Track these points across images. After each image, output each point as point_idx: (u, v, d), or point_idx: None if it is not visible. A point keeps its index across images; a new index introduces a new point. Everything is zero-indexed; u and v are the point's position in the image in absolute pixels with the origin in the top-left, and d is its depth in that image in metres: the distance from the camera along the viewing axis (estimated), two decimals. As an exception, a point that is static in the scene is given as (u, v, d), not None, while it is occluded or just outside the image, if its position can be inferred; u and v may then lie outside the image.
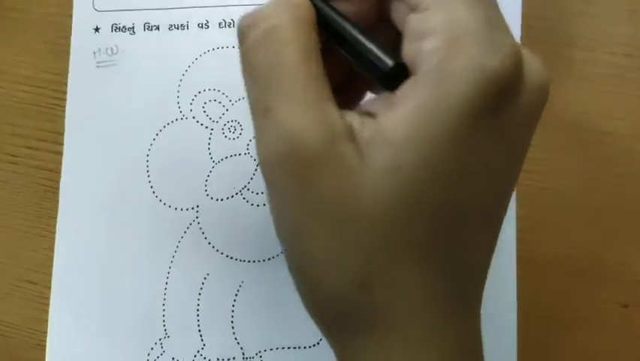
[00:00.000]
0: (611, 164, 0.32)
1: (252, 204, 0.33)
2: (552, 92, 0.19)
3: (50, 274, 0.33)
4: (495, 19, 0.17)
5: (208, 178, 0.33)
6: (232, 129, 0.34)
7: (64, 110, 0.34)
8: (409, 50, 0.18)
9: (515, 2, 0.32)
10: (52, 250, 0.33)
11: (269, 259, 0.32)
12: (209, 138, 0.34)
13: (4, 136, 0.35)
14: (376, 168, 0.17)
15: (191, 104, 0.34)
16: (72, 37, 0.34)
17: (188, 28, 0.34)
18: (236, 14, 0.34)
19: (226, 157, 0.33)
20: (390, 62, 0.18)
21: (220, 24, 0.34)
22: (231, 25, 0.34)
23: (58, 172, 0.34)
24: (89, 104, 0.34)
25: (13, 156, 0.35)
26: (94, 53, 0.34)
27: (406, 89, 0.17)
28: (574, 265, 0.31)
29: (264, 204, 0.33)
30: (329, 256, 0.18)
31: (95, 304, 0.32)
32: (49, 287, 0.33)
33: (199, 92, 0.34)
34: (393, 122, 0.17)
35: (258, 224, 0.33)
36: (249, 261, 0.32)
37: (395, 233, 0.17)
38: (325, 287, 0.18)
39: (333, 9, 0.20)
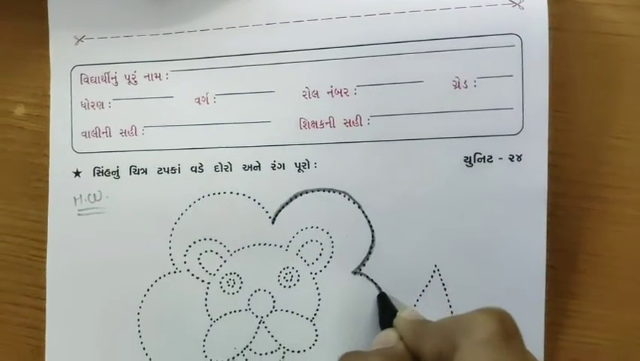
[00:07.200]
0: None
1: (255, 368, 0.30)
2: None
3: None
4: None
5: (206, 338, 0.30)
6: (231, 283, 0.30)
7: (45, 263, 0.31)
8: None
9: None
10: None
11: None
12: (206, 293, 0.30)
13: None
14: None
15: (184, 255, 0.30)
16: (50, 183, 0.31)
17: (179, 171, 0.30)
18: (232, 157, 0.30)
19: (225, 314, 0.30)
20: None
21: (216, 167, 0.30)
22: (228, 169, 0.30)
23: (43, 330, 0.31)
24: (71, 257, 0.31)
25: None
26: (75, 199, 0.30)
27: None
28: None
29: (268, 369, 0.30)
30: None
31: None
32: None
33: (193, 242, 0.30)
34: None
35: (261, 389, 0.30)
36: None
37: None
38: None
39: None
